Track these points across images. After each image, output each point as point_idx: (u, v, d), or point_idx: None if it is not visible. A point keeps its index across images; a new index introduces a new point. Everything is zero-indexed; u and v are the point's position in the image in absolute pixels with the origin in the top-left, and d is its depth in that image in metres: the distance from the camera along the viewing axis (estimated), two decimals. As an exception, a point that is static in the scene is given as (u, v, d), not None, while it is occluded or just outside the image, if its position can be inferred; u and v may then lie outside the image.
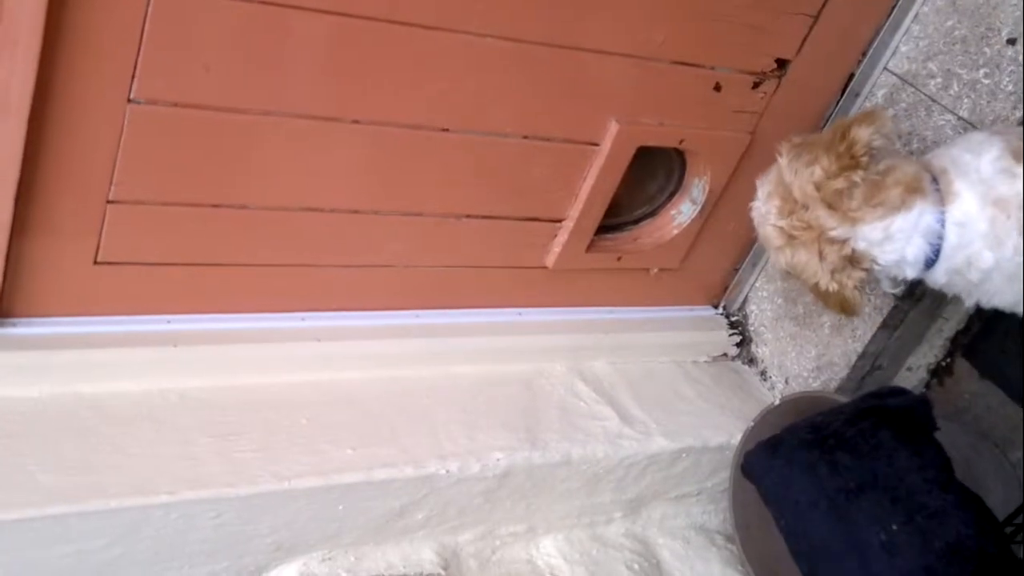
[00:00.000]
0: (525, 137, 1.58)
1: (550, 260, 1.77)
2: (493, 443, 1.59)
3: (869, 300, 1.87)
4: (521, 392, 1.74)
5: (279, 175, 1.42)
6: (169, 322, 1.49)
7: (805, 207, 1.41)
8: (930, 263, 1.41)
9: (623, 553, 1.78)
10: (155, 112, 1.27)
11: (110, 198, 1.32)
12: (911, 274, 1.44)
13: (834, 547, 1.34)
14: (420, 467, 1.49)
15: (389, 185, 1.52)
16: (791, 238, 1.44)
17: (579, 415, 1.74)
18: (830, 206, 1.39)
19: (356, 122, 1.41)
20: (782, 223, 1.44)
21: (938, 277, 1.44)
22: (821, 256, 1.42)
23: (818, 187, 1.39)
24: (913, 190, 1.38)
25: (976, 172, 1.37)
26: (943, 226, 1.38)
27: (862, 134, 1.38)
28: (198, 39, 1.23)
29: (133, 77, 1.22)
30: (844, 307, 1.47)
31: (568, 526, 1.77)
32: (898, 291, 1.56)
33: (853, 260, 1.42)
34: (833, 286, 1.44)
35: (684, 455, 1.80)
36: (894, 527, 1.28)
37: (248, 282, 1.53)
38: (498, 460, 1.57)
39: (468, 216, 1.63)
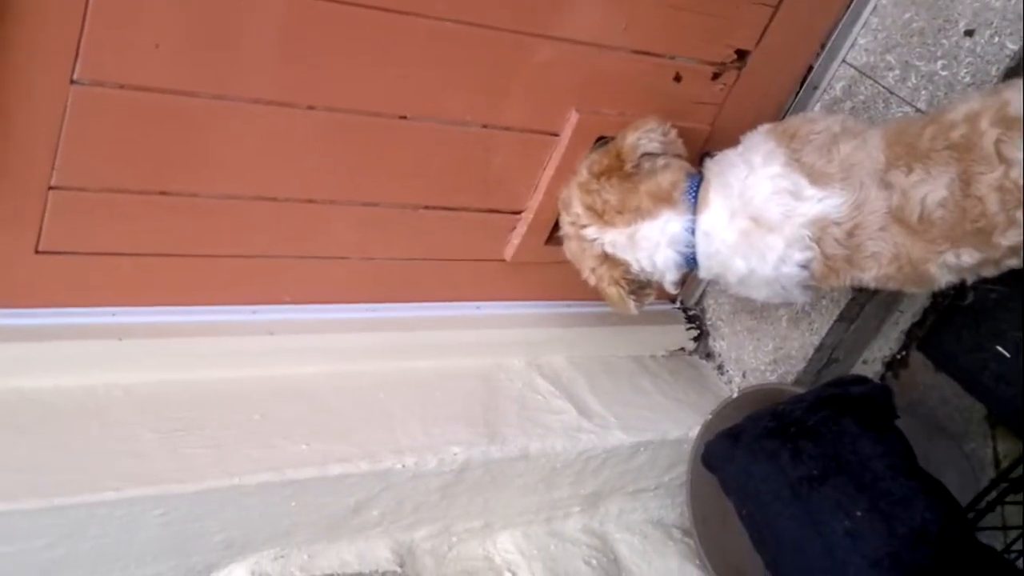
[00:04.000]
0: (485, 126, 1.55)
1: (508, 253, 1.74)
2: (451, 437, 1.56)
3: (825, 295, 1.87)
4: (479, 386, 1.71)
5: (231, 162, 1.38)
6: (114, 314, 1.44)
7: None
8: (692, 265, 1.47)
9: (581, 548, 1.76)
10: (100, 94, 1.21)
11: (52, 184, 1.27)
12: (671, 277, 1.50)
13: (797, 535, 1.34)
14: (376, 462, 1.46)
15: (345, 174, 1.48)
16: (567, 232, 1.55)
17: (537, 409, 1.72)
18: (588, 207, 1.47)
19: (311, 108, 1.37)
20: (566, 217, 1.54)
21: (704, 275, 1.51)
22: (582, 252, 1.51)
23: (580, 188, 1.47)
24: (660, 199, 1.43)
25: (740, 183, 1.40)
26: (693, 234, 1.42)
27: (628, 140, 1.46)
28: (147, 15, 1.18)
29: (76, 56, 1.17)
30: (611, 303, 1.54)
31: (526, 521, 1.74)
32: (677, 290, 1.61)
33: (609, 260, 1.49)
34: (592, 280, 1.53)
35: (642, 449, 1.79)
36: (858, 514, 1.28)
37: (197, 273, 1.48)
38: (455, 455, 1.54)
39: (427, 207, 1.60)
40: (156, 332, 1.45)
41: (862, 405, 1.44)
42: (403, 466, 1.48)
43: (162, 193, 1.36)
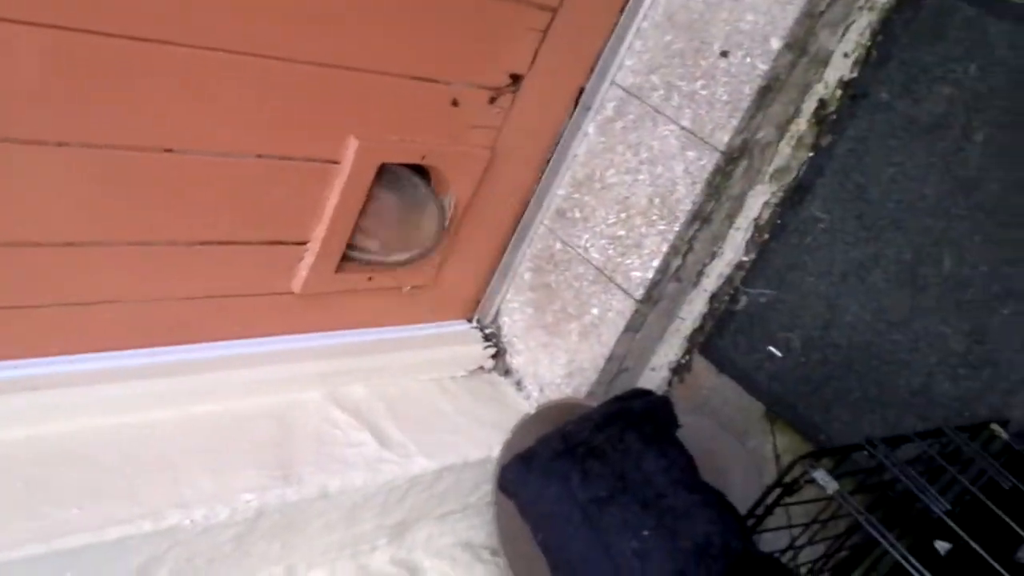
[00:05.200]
0: (260, 156, 1.49)
1: (297, 285, 1.69)
2: (242, 484, 1.49)
3: (611, 308, 1.94)
4: (272, 426, 1.64)
5: (-27, 207, 1.26)
6: None
7: None
8: None
9: (389, 581, 1.73)
10: None
11: None
12: None
13: (589, 558, 1.36)
14: (160, 520, 1.37)
15: (108, 214, 1.38)
16: None
17: (336, 444, 1.67)
18: None
19: (63, 144, 1.27)
20: None
21: None
22: None
23: None
24: None
25: None
26: None
27: None
28: None
29: None
30: None
31: (330, 560, 1.69)
32: None
33: None
34: None
35: (446, 473, 1.78)
36: (645, 533, 1.31)
37: (-56, 329, 1.34)
38: (248, 502, 1.47)
39: (203, 243, 1.52)
40: None
41: (644, 418, 1.49)
42: (191, 521, 1.40)
43: None
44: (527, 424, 1.84)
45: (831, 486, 1.26)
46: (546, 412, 1.84)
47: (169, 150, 1.38)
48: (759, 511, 1.37)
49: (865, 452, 1.38)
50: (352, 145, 1.57)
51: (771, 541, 1.54)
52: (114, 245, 1.42)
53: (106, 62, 1.24)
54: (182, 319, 1.58)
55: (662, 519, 1.32)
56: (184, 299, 1.57)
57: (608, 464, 1.41)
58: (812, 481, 1.31)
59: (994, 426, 1.58)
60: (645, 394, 1.59)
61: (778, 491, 1.34)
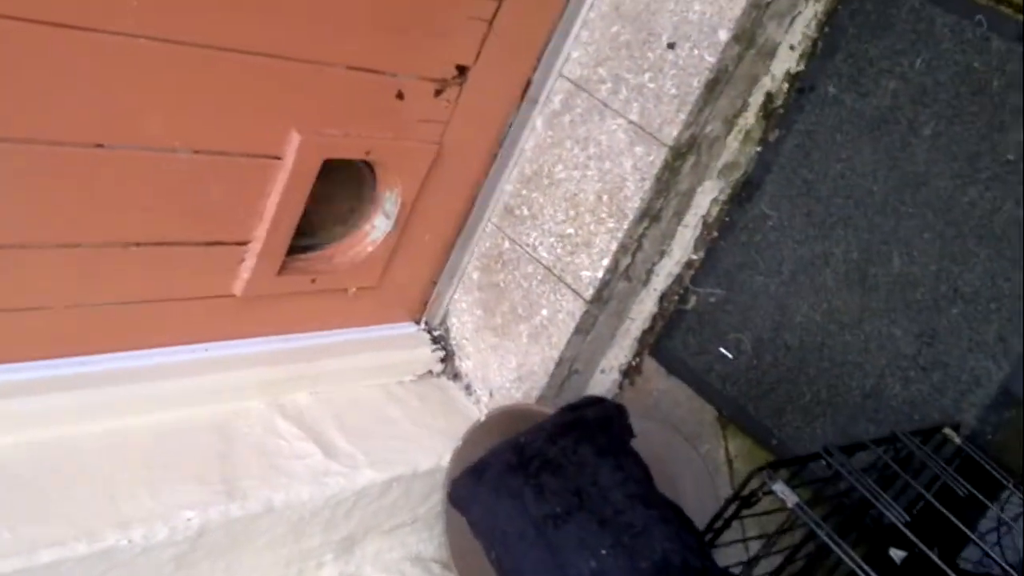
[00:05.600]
0: (196, 152, 1.41)
1: (238, 287, 1.61)
2: (183, 501, 1.40)
3: (561, 309, 1.90)
4: (214, 438, 1.56)
5: None
6: None
7: None
8: None
9: (338, 598, 1.66)
10: None
11: None
12: None
13: (546, 578, 1.30)
14: (95, 541, 1.28)
15: (33, 214, 1.29)
16: None
17: (281, 456, 1.60)
18: None
19: (-19, 140, 1.18)
20: None
21: None
22: None
23: None
24: None
25: None
26: None
27: None
28: None
29: None
30: None
31: (276, 578, 1.61)
32: None
33: None
34: None
35: (394, 484, 1.71)
36: (603, 552, 1.26)
37: None
38: (189, 520, 1.39)
39: (137, 244, 1.43)
40: None
41: (599, 428, 1.44)
42: (129, 541, 1.31)
43: None
44: (477, 431, 1.78)
45: (791, 499, 1.24)
46: (497, 418, 1.79)
47: (100, 145, 1.29)
48: (717, 524, 1.33)
49: (822, 461, 1.37)
50: (294, 140, 1.50)
51: (725, 553, 1.51)
52: (40, 247, 1.32)
53: (30, 50, 1.15)
54: (116, 325, 1.49)
55: (620, 537, 1.27)
56: (118, 304, 1.47)
57: (563, 479, 1.36)
58: (770, 493, 1.29)
59: (947, 430, 1.58)
60: (598, 402, 1.54)
61: (735, 504, 1.31)
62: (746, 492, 1.33)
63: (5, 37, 1.13)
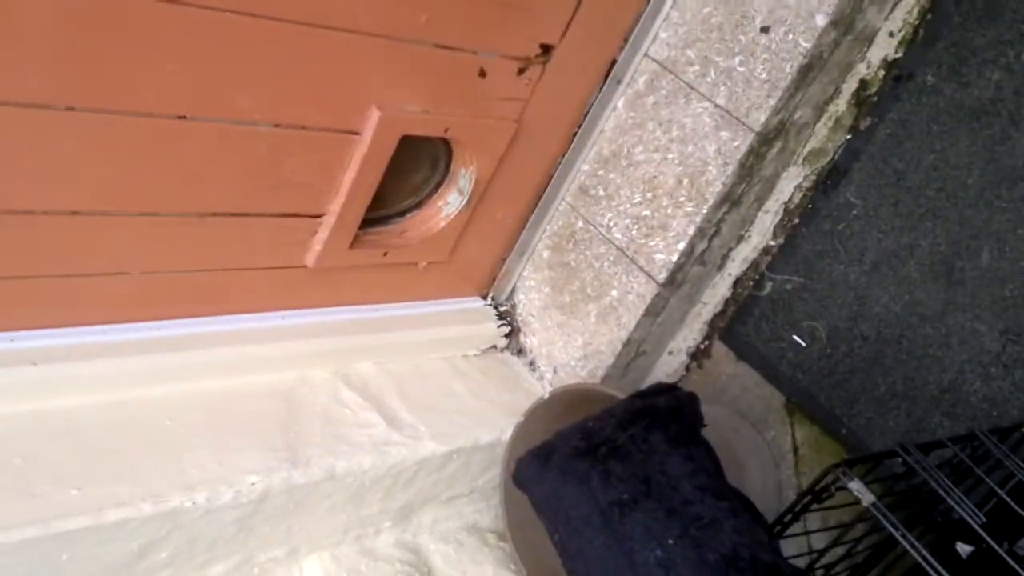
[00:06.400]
0: (277, 125, 1.42)
1: (311, 259, 1.62)
2: (247, 466, 1.44)
3: (632, 291, 1.88)
4: (280, 405, 1.59)
5: (-30, 172, 1.18)
6: None
7: None
8: None
9: (393, 565, 1.69)
10: None
11: None
12: None
13: (609, 564, 1.30)
14: (161, 502, 1.32)
15: (115, 182, 1.31)
16: None
17: (344, 424, 1.62)
18: None
19: (71, 109, 1.20)
20: None
21: None
22: None
23: None
24: None
25: None
26: None
27: None
28: None
29: None
30: None
31: (334, 543, 1.65)
32: None
33: None
34: None
35: (455, 456, 1.73)
36: (670, 542, 1.25)
37: (-62, 296, 1.28)
38: (253, 484, 1.42)
39: (213, 214, 1.45)
40: None
41: (670, 416, 1.42)
42: (193, 503, 1.35)
43: None
44: (540, 408, 1.78)
45: (867, 498, 1.21)
46: (560, 396, 1.78)
47: (183, 117, 1.30)
48: (787, 518, 1.31)
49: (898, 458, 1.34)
50: (374, 116, 1.49)
51: (785, 544, 1.49)
52: (121, 215, 1.35)
53: (118, 21, 1.16)
54: (189, 292, 1.52)
55: (688, 528, 1.26)
56: (192, 271, 1.50)
57: (631, 466, 1.35)
58: (843, 488, 1.27)
59: (1025, 429, 1.54)
60: (670, 389, 1.52)
61: (808, 499, 1.29)
62: (819, 487, 1.31)
63: (97, 8, 1.13)
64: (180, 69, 1.26)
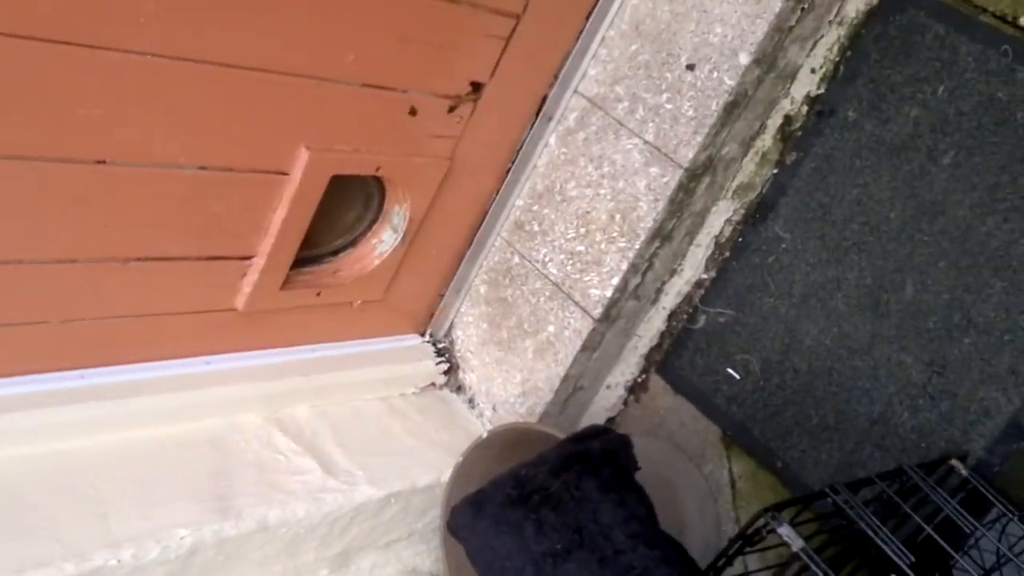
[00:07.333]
0: (202, 168, 1.39)
1: (240, 302, 1.59)
2: (176, 519, 1.39)
3: (568, 326, 1.87)
4: (211, 453, 1.55)
5: None
6: None
7: None
8: None
9: (332, 613, 1.65)
10: None
11: None
12: None
13: (543, 616, 1.28)
14: (84, 560, 1.26)
15: (30, 230, 1.27)
16: None
17: (277, 472, 1.58)
18: None
19: (-16, 155, 1.16)
20: None
21: None
22: None
23: None
24: None
25: None
26: None
27: None
28: None
29: None
30: None
31: (268, 594, 1.60)
32: None
33: None
34: None
35: (392, 500, 1.70)
36: None
37: None
38: (182, 539, 1.37)
39: (137, 259, 1.41)
40: None
41: (603, 461, 1.42)
42: (118, 561, 1.29)
43: None
44: (478, 449, 1.77)
45: (796, 543, 1.22)
46: (499, 436, 1.77)
47: (101, 161, 1.27)
48: (720, 563, 1.31)
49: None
50: (303, 156, 1.47)
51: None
52: (38, 263, 1.31)
53: (33, 66, 1.13)
54: (113, 339, 1.48)
55: (619, 578, 1.26)
56: (115, 318, 1.46)
57: (564, 514, 1.34)
58: (773, 531, 1.27)
59: (953, 462, 1.57)
60: (603, 432, 1.51)
61: (739, 543, 1.30)
62: (750, 531, 1.31)
63: (11, 55, 1.10)
64: (98, 114, 1.23)
